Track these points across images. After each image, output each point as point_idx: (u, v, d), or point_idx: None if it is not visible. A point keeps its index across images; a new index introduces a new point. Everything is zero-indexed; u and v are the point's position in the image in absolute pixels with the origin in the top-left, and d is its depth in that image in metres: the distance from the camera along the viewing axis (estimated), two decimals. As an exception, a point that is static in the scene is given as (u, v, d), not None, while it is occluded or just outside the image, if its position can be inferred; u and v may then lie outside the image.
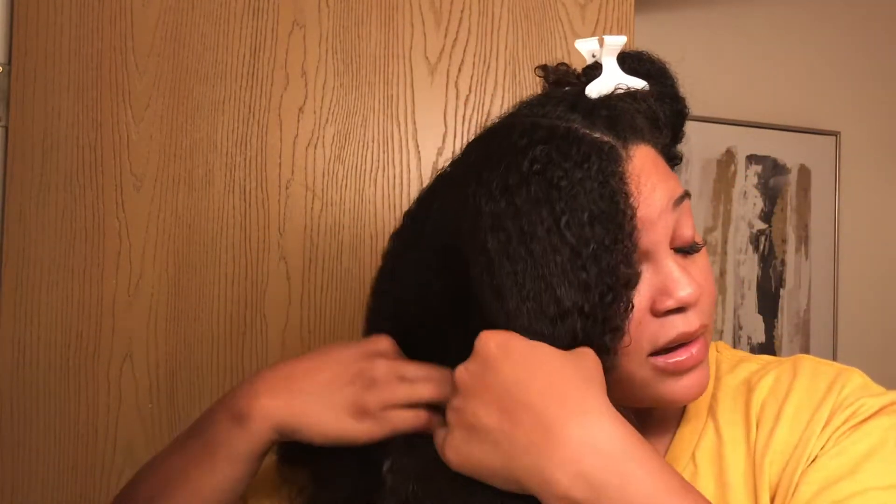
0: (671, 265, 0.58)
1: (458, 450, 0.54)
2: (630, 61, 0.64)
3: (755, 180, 2.15)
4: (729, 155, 2.13)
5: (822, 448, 0.58)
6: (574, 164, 0.55)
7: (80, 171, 1.06)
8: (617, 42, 0.63)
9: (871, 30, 2.30)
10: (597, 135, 0.58)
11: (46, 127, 1.06)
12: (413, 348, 0.65)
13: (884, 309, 2.29)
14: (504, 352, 0.53)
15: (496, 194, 0.56)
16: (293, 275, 1.11)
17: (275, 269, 1.11)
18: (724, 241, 2.11)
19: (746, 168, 2.14)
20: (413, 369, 0.63)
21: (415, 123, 1.14)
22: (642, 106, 0.61)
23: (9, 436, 1.04)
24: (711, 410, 0.65)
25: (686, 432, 0.65)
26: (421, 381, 0.62)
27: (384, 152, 1.14)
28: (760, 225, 2.15)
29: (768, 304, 2.15)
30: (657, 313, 0.57)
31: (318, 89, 1.12)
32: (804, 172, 2.20)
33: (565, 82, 0.65)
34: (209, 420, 0.65)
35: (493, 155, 0.59)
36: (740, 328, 2.13)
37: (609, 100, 0.61)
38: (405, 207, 0.72)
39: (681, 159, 0.68)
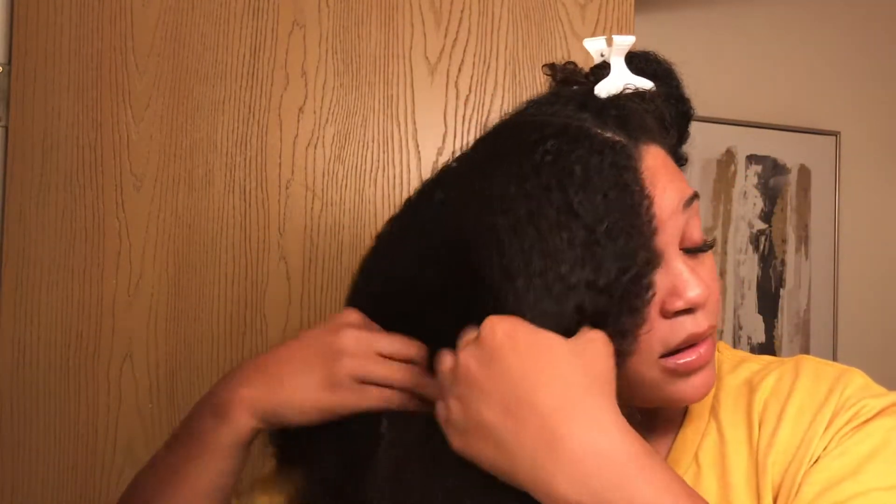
0: (681, 266, 0.57)
1: (458, 439, 0.54)
2: (637, 61, 0.64)
3: (755, 180, 2.15)
4: (729, 155, 2.12)
5: (824, 449, 0.58)
6: (588, 152, 0.55)
7: (80, 171, 1.06)
8: (626, 42, 0.62)
9: (871, 30, 2.30)
10: (608, 134, 0.57)
11: (46, 127, 1.06)
12: (392, 326, 0.65)
13: (884, 309, 2.29)
14: (511, 341, 0.52)
15: (506, 182, 0.55)
16: (293, 275, 1.11)
17: (275, 269, 1.10)
18: (724, 241, 2.11)
19: (746, 168, 2.14)
20: (386, 341, 0.63)
21: (415, 123, 1.14)
22: (650, 106, 0.61)
23: (9, 436, 1.04)
24: (713, 411, 0.65)
25: (689, 433, 0.65)
26: (397, 358, 0.63)
27: (384, 152, 1.14)
28: (760, 225, 2.15)
29: (768, 304, 2.15)
30: (667, 314, 0.57)
31: (318, 89, 1.12)
32: (804, 172, 2.20)
33: (573, 81, 0.65)
34: (195, 417, 0.66)
35: (501, 150, 0.58)
36: (740, 328, 2.13)
37: (618, 99, 0.60)
38: (405, 207, 0.71)
39: (686, 160, 0.67)
